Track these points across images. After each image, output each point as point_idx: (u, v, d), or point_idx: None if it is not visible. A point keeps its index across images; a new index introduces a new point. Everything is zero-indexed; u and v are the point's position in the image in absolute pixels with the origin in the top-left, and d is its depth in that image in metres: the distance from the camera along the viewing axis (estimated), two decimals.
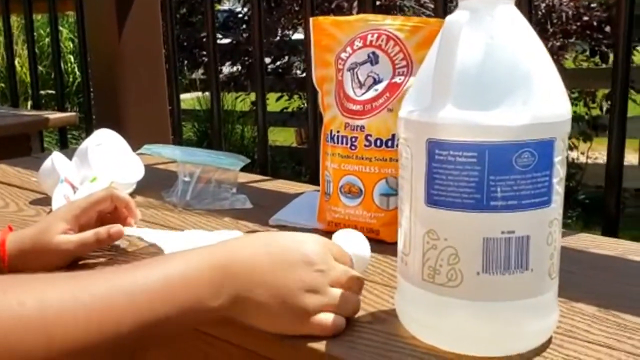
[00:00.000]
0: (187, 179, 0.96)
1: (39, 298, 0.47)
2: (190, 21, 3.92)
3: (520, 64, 0.50)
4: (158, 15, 1.60)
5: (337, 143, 0.81)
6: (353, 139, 0.79)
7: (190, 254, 0.55)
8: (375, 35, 0.79)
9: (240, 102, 4.53)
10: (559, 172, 0.51)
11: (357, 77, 0.80)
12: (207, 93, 4.58)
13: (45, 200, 0.99)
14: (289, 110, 4.50)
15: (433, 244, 0.51)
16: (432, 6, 3.08)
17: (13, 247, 0.70)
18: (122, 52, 1.56)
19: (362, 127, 0.78)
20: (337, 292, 0.55)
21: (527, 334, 0.52)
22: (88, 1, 1.69)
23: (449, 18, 0.51)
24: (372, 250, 0.75)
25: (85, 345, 0.47)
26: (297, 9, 3.43)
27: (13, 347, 0.44)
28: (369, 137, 0.78)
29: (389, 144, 0.77)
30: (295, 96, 4.41)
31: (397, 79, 0.78)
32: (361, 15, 0.84)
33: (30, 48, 2.15)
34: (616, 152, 0.94)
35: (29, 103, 4.83)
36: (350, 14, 3.10)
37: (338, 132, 0.80)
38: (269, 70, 4.03)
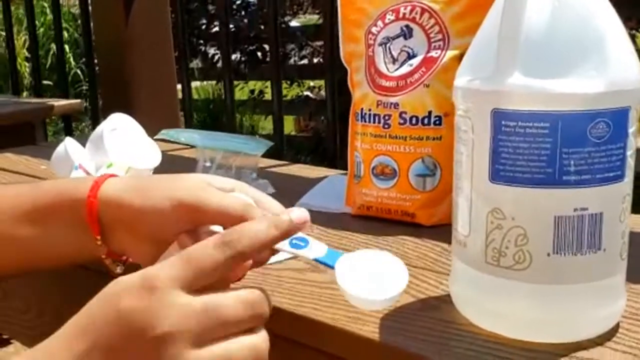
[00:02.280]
0: (207, 164, 0.92)
1: None
2: (189, 9, 3.87)
3: (592, 27, 0.46)
4: (166, 2, 1.57)
5: (369, 122, 0.76)
6: (386, 117, 0.75)
7: None
8: (409, 8, 0.75)
9: (239, 90, 4.48)
10: (632, 144, 0.47)
11: (390, 52, 0.76)
12: (205, 82, 4.53)
13: None
14: (288, 98, 4.46)
15: (498, 223, 0.47)
16: None
17: (108, 197, 0.51)
18: (130, 36, 1.52)
19: (396, 105, 0.74)
20: (204, 357, 0.39)
21: (597, 319, 0.49)
22: None
23: None
24: (410, 234, 0.71)
25: None
26: None
27: None
28: (403, 115, 0.74)
29: (425, 121, 0.73)
30: (294, 84, 4.36)
31: (434, 53, 0.74)
32: None
33: (32, 36, 2.10)
34: None
35: (25, 94, 4.79)
36: None
37: (370, 110, 0.76)
38: (267, 58, 3.98)
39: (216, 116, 4.33)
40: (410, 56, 0.75)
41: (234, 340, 0.40)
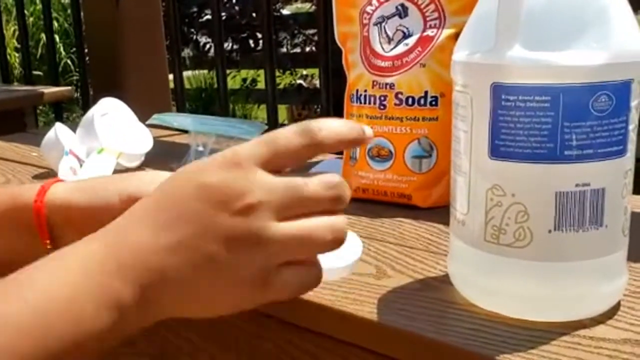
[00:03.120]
0: (200, 149, 0.91)
1: None
2: None
3: None
4: None
5: (364, 103, 0.75)
6: (382, 98, 0.74)
7: (78, 259, 0.40)
8: None
9: (231, 79, 4.45)
10: (634, 118, 0.46)
11: (385, 32, 0.75)
12: (197, 71, 4.50)
13: (48, 175, 0.93)
14: (281, 87, 4.43)
15: (498, 200, 0.46)
16: None
17: (55, 201, 0.52)
18: (120, 19, 1.50)
19: (391, 85, 0.73)
20: (286, 230, 0.40)
21: (599, 296, 0.48)
22: None
23: None
24: (406, 216, 0.70)
25: None
26: None
27: None
28: (399, 95, 0.72)
29: (422, 101, 0.72)
30: (287, 72, 4.34)
31: (429, 32, 0.73)
32: None
33: (21, 25, 2.08)
34: None
35: (15, 84, 4.75)
36: None
37: (365, 91, 0.75)
38: (259, 46, 3.95)
39: (208, 105, 4.31)
40: (406, 35, 0.74)
41: (314, 218, 0.41)
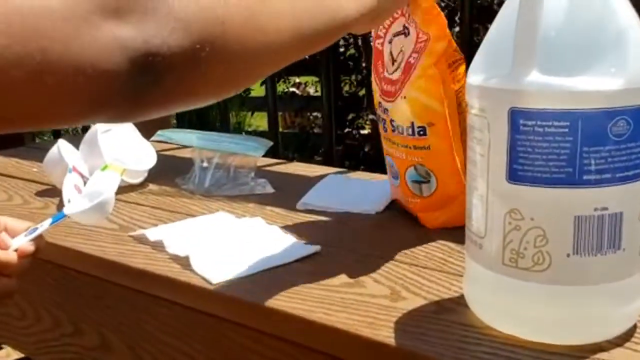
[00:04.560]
0: (204, 164, 0.90)
1: None
2: None
3: (609, 24, 0.45)
4: None
5: (378, 121, 0.75)
6: (384, 121, 0.72)
7: None
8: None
9: None
10: None
11: (391, 51, 0.71)
12: None
13: (52, 192, 0.93)
14: None
15: (516, 224, 0.46)
16: None
17: None
18: None
19: (386, 110, 0.71)
20: None
21: (615, 319, 0.48)
22: None
23: None
24: (417, 237, 0.69)
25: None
26: None
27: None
28: (392, 123, 0.70)
29: (410, 132, 0.68)
30: (280, 80, 4.33)
31: (412, 58, 0.67)
32: None
33: None
34: None
35: None
36: None
37: (377, 110, 0.74)
38: None
39: (203, 114, 4.30)
40: (404, 58, 0.69)
41: None
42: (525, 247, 0.46)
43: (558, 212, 0.45)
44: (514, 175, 0.46)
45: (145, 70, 0.35)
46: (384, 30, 0.72)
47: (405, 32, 0.69)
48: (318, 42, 0.50)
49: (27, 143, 1.68)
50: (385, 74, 0.71)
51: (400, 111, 0.68)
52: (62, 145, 0.91)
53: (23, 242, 0.56)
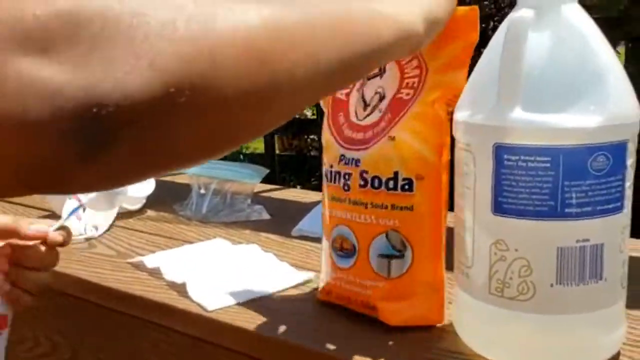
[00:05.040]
0: (202, 191, 0.92)
1: None
2: None
3: (589, 63, 0.47)
4: None
5: (331, 181, 0.60)
6: (346, 176, 0.58)
7: None
8: None
9: None
10: (630, 176, 0.48)
11: (363, 95, 0.60)
12: None
13: (51, 218, 0.94)
14: None
15: (502, 255, 0.48)
16: None
17: None
18: None
19: (357, 161, 0.57)
20: None
21: (599, 347, 0.50)
22: None
23: (512, 16, 0.48)
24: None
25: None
26: None
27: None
28: (364, 175, 0.57)
29: (390, 184, 0.55)
30: None
31: (404, 94, 0.57)
32: None
33: None
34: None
35: None
36: None
37: (332, 166, 0.60)
38: None
39: None
40: (381, 99, 0.59)
41: None
42: (510, 277, 0.48)
43: (541, 244, 0.47)
44: (499, 208, 0.48)
45: (87, 126, 0.25)
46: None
47: (380, 73, 0.60)
48: (357, 70, 0.40)
49: None
50: (354, 120, 0.60)
51: (381, 156, 0.56)
52: None
53: (51, 233, 0.60)
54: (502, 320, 0.49)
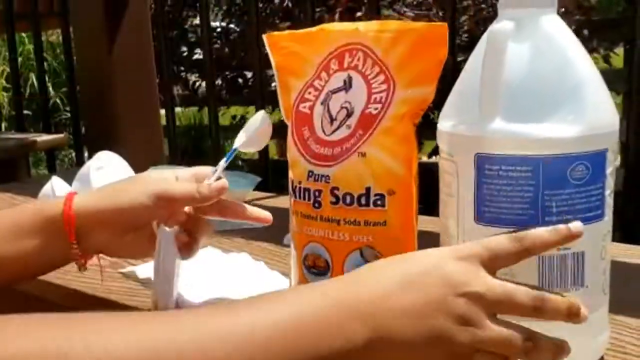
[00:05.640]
0: None
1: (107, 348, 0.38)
2: (169, 37, 3.90)
3: (569, 74, 0.48)
4: (149, 32, 1.57)
5: (300, 198, 0.59)
6: (317, 193, 0.58)
7: (296, 295, 0.46)
8: (353, 52, 0.59)
9: (221, 116, 4.51)
10: (610, 184, 0.49)
11: (328, 110, 0.59)
12: (187, 109, 4.54)
13: None
14: None
15: None
16: (411, 15, 3.09)
17: (82, 207, 0.61)
18: (114, 69, 1.52)
19: (326, 178, 0.57)
20: (498, 327, 0.43)
21: (582, 353, 0.50)
22: (75, 20, 1.66)
23: (493, 27, 0.49)
24: None
25: None
26: (277, 22, 3.42)
27: None
28: (335, 192, 0.57)
29: (363, 200, 0.56)
30: (277, 109, 4.39)
31: (372, 109, 0.57)
32: (323, 26, 0.62)
33: (14, 68, 2.09)
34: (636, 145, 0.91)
35: (4, 125, 4.75)
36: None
37: (300, 183, 0.59)
38: (249, 83, 4.00)
39: (198, 142, 4.35)
40: (349, 114, 0.58)
41: (522, 327, 0.44)
42: None
43: None
44: (481, 216, 0.48)
45: None
46: (315, 93, 0.61)
47: (345, 87, 0.59)
48: None
49: (21, 178, 1.71)
50: (321, 135, 0.59)
51: (352, 173, 0.56)
52: (56, 182, 0.93)
53: (213, 181, 0.63)
54: None
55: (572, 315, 0.44)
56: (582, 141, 0.46)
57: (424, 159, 3.30)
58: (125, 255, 0.70)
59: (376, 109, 0.56)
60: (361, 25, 0.59)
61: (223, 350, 0.39)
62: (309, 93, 0.61)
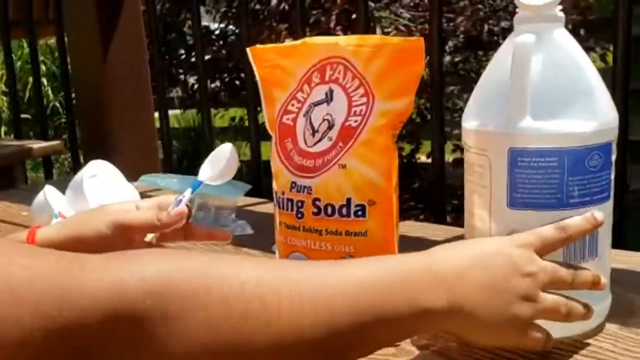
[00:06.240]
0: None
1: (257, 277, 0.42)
2: (167, 40, 3.94)
3: (581, 78, 0.57)
4: (143, 38, 1.58)
5: (283, 209, 0.61)
6: (299, 204, 0.60)
7: (396, 258, 0.53)
8: (334, 66, 0.61)
9: (219, 118, 4.57)
10: (613, 169, 0.58)
11: (310, 122, 0.61)
12: (186, 111, 4.59)
13: None
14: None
15: None
16: (407, 16, 3.16)
17: (44, 238, 0.66)
18: (108, 76, 1.53)
19: (308, 189, 0.59)
20: (549, 297, 0.52)
21: (596, 314, 0.58)
22: (69, 27, 1.67)
23: (517, 40, 0.56)
24: None
25: (297, 338, 0.42)
26: (274, 24, 3.48)
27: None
28: (316, 202, 0.59)
29: (344, 211, 0.58)
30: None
31: (352, 121, 0.59)
32: (305, 40, 0.64)
33: (10, 75, 2.12)
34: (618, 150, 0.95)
35: (3, 129, 4.78)
36: (329, 27, 3.17)
37: (283, 193, 0.61)
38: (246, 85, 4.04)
39: (197, 144, 4.40)
40: (330, 126, 0.60)
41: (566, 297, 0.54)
42: None
43: None
44: (514, 202, 0.57)
45: None
46: (298, 105, 0.63)
47: (327, 99, 0.62)
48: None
49: (18, 185, 1.71)
50: (303, 146, 0.61)
51: (333, 184, 0.58)
52: (49, 191, 0.93)
53: (176, 209, 0.67)
54: None
55: (596, 284, 0.55)
56: (596, 135, 0.55)
57: (423, 158, 3.38)
58: None
59: (356, 121, 0.58)
60: (341, 40, 0.61)
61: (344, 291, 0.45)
62: (292, 105, 0.63)
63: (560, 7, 0.58)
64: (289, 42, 0.65)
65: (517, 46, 0.57)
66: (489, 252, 0.52)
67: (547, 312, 0.52)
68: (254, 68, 0.65)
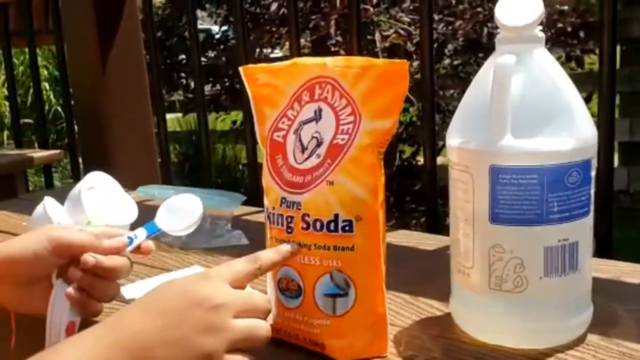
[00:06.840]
0: None
1: None
2: (167, 44, 3.96)
3: (561, 97, 0.59)
4: (141, 49, 1.59)
5: (274, 224, 0.63)
6: (289, 219, 0.61)
7: (80, 342, 0.54)
8: (323, 85, 0.63)
9: (220, 121, 4.59)
10: (593, 184, 0.60)
11: (300, 139, 0.63)
12: (187, 114, 4.62)
13: None
14: None
15: (499, 256, 0.58)
16: (407, 20, 3.17)
17: None
18: (107, 85, 1.54)
19: (298, 205, 0.61)
20: (241, 323, 0.54)
21: (573, 327, 0.61)
22: (69, 38, 1.68)
23: (497, 61, 0.58)
24: None
25: None
26: (274, 29, 3.50)
27: None
28: (306, 218, 0.60)
29: (332, 226, 0.59)
30: None
31: (339, 139, 0.61)
32: (295, 60, 0.67)
33: (10, 83, 2.13)
34: (605, 161, 0.93)
35: (5, 134, 4.80)
36: (328, 32, 3.18)
37: (273, 209, 0.63)
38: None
39: (199, 148, 4.42)
40: (319, 143, 0.62)
41: (256, 320, 0.57)
42: (507, 274, 0.58)
43: (532, 245, 0.58)
44: (496, 218, 0.58)
45: None
46: (288, 122, 0.65)
47: (316, 118, 0.63)
48: None
49: (19, 194, 1.70)
50: (293, 163, 0.63)
51: (321, 200, 0.60)
52: (48, 203, 0.94)
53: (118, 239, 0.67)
54: (500, 310, 0.60)
55: (284, 254, 0.60)
56: (575, 152, 0.57)
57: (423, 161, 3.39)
58: (23, 310, 0.67)
59: (343, 139, 0.60)
60: (329, 61, 0.63)
61: None
62: (283, 122, 0.65)
63: (540, 27, 0.59)
64: (279, 63, 0.67)
65: (498, 67, 0.58)
66: (169, 296, 0.55)
67: (239, 341, 0.54)
68: (246, 86, 0.67)
